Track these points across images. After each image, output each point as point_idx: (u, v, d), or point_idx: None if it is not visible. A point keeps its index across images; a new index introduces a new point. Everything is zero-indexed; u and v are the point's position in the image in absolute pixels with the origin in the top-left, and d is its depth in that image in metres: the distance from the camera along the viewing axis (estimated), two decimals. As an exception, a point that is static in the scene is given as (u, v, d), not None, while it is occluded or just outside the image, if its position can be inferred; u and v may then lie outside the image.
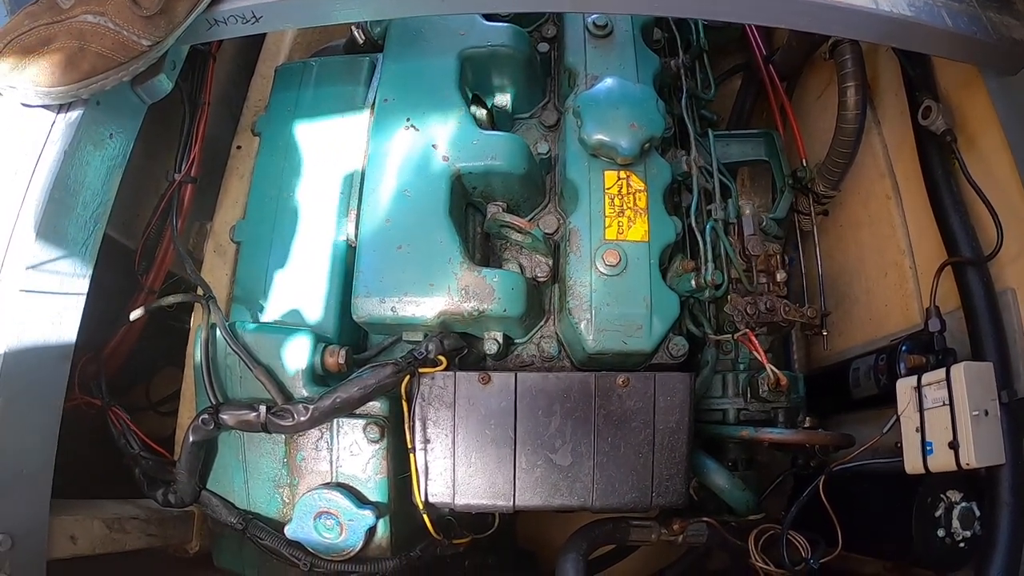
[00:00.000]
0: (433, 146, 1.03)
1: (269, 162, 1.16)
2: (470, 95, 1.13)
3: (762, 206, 1.54)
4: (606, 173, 1.04)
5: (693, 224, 1.11)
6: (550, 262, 1.06)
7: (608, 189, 1.04)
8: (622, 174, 1.04)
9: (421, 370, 0.97)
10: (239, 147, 1.33)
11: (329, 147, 1.14)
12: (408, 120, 1.06)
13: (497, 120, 1.16)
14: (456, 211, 1.03)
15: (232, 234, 1.16)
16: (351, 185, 1.10)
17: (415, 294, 0.97)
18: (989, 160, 1.15)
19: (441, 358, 0.97)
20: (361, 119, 1.13)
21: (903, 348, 1.18)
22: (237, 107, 1.39)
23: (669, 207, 1.10)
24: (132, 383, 1.48)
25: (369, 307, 0.98)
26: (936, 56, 1.19)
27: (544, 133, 1.18)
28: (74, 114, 0.96)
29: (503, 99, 1.15)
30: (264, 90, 1.31)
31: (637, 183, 1.04)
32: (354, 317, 1.00)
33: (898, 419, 1.11)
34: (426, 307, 0.97)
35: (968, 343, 1.12)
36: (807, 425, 1.27)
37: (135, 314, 1.09)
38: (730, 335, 1.15)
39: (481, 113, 1.14)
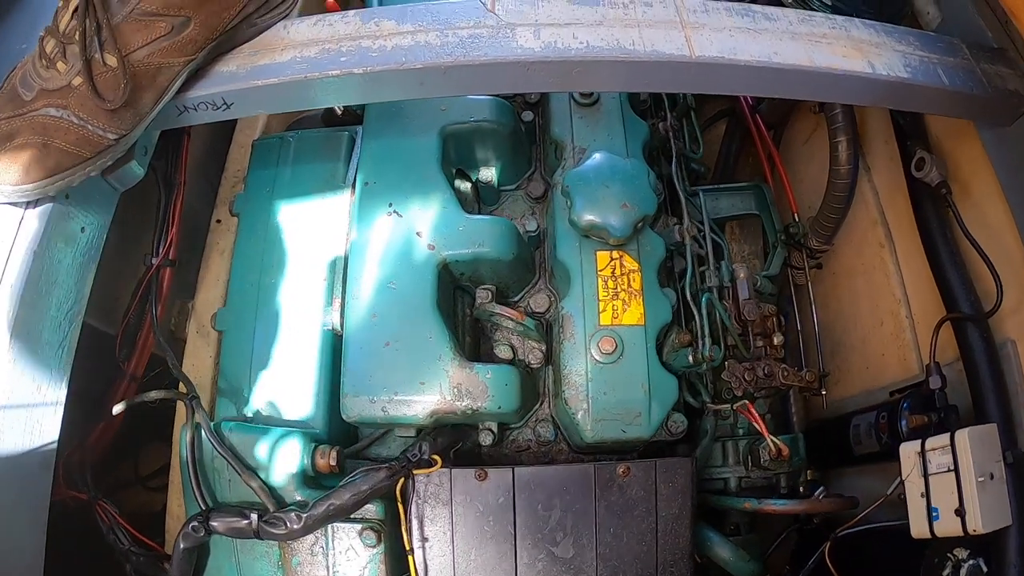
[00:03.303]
0: (417, 233, 1.00)
1: (249, 245, 1.13)
2: (454, 171, 1.11)
3: (753, 253, 1.53)
4: (598, 254, 1.02)
5: (688, 296, 1.09)
6: (543, 347, 1.03)
7: (601, 271, 1.01)
8: (615, 254, 1.02)
9: (416, 471, 0.95)
10: (219, 221, 1.30)
11: (311, 229, 1.10)
12: (390, 205, 1.03)
13: (483, 195, 1.13)
14: (444, 301, 1.00)
15: (214, 323, 1.13)
16: (335, 271, 1.07)
17: (406, 393, 0.95)
18: (984, 210, 1.13)
19: (436, 458, 0.95)
20: (342, 199, 1.10)
21: (904, 406, 1.17)
22: (215, 177, 1.35)
23: (663, 278, 1.08)
24: (119, 459, 1.45)
25: (359, 407, 0.96)
26: (931, 114, 1.17)
27: (531, 206, 1.15)
28: (42, 210, 0.92)
29: (488, 173, 1.12)
30: (242, 160, 1.27)
31: (631, 263, 1.02)
32: (344, 417, 0.97)
33: (902, 482, 1.10)
34: (418, 407, 0.95)
35: (968, 394, 1.11)
36: (809, 478, 1.26)
37: (117, 408, 1.05)
38: (729, 403, 1.14)
39: (466, 187, 1.11)
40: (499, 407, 0.94)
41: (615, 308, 1.00)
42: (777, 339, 1.19)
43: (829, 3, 1.16)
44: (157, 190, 1.19)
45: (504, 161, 1.12)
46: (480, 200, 1.14)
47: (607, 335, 0.98)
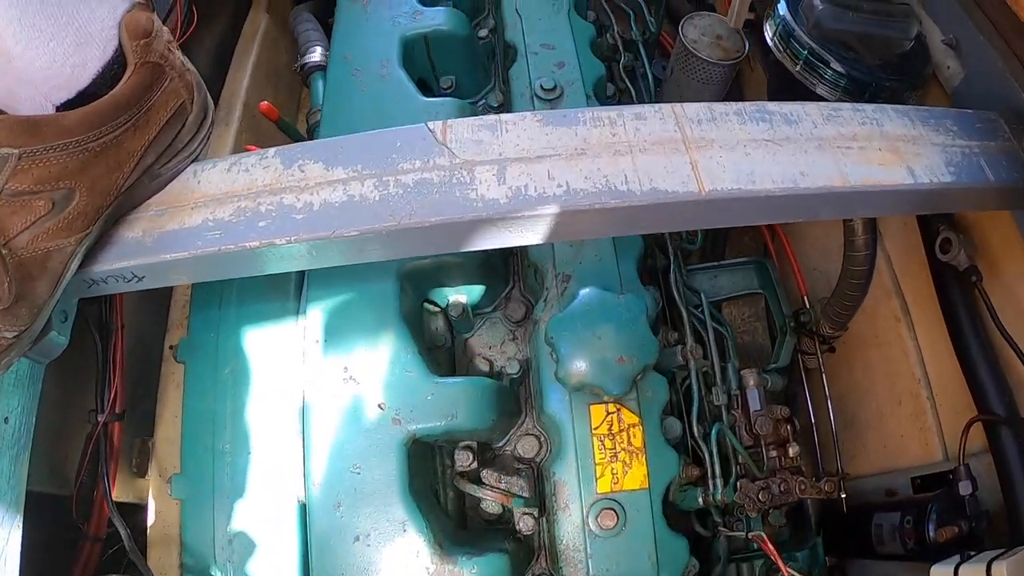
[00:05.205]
0: (379, 406, 0.74)
1: (198, 402, 0.87)
2: (422, 304, 0.84)
3: (753, 315, 1.26)
4: (592, 409, 0.76)
5: (695, 431, 0.84)
6: (535, 512, 0.79)
7: (596, 430, 0.76)
8: (611, 407, 0.76)
9: None
10: (171, 347, 1.04)
11: (263, 383, 0.84)
12: (346, 370, 0.76)
13: (455, 325, 0.87)
14: (418, 480, 0.75)
15: (171, 490, 0.88)
16: (295, 432, 0.81)
17: (381, 597, 0.71)
18: (1016, 294, 0.88)
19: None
20: (295, 344, 0.84)
21: (933, 513, 0.94)
22: (163, 295, 1.08)
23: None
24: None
25: (330, 614, 0.72)
26: (974, 211, 0.89)
27: (511, 330, 0.88)
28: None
29: (459, 299, 0.85)
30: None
31: (630, 417, 0.76)
32: (314, 623, 0.74)
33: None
34: (395, 613, 0.71)
35: (998, 486, 0.89)
36: (828, 564, 1.05)
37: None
38: (742, 533, 0.90)
39: (437, 323, 0.85)
40: (488, 608, 0.71)
41: (614, 472, 0.75)
42: (792, 450, 0.94)
43: (844, 72, 0.87)
44: (92, 337, 0.93)
45: (481, 282, 0.85)
46: (453, 330, 0.87)
47: (607, 506, 0.74)
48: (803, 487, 0.92)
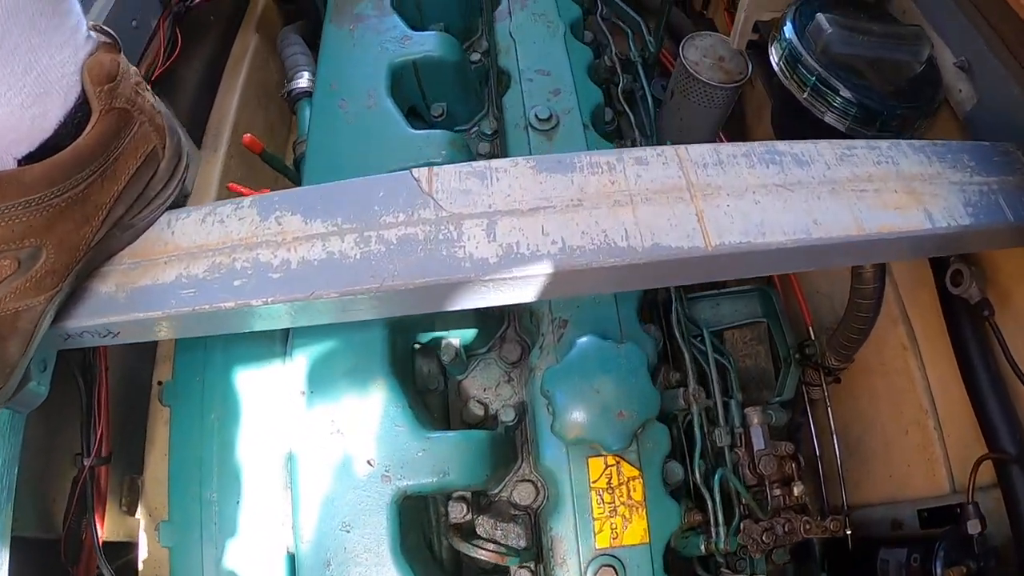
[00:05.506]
0: (369, 462, 0.69)
1: (184, 447, 0.82)
2: (413, 348, 0.78)
3: (755, 338, 1.20)
4: (590, 462, 0.71)
5: (698, 478, 0.79)
6: (532, 566, 0.74)
7: (595, 483, 0.71)
8: (610, 460, 0.71)
9: None
10: (160, 382, 0.99)
11: (250, 431, 0.79)
12: (332, 423, 0.71)
13: (449, 369, 0.81)
14: (411, 537, 0.70)
15: (159, 537, 0.84)
16: (283, 483, 0.76)
17: (371, 665, 0.66)
18: None
19: None
20: (282, 390, 0.79)
21: (940, 551, 0.89)
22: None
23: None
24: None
25: None
26: (990, 250, 0.83)
27: (506, 371, 0.83)
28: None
29: (452, 342, 0.79)
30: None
31: (630, 471, 0.71)
32: None
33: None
34: None
35: (1006, 519, 0.84)
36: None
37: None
38: (746, 574, 0.85)
39: (429, 367, 0.79)
40: None
41: (613, 526, 0.70)
42: (797, 489, 0.89)
43: (854, 100, 0.80)
44: (75, 382, 0.88)
45: (474, 328, 0.79)
46: (446, 375, 0.82)
47: (606, 563, 0.68)
48: (808, 527, 0.87)
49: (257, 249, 0.58)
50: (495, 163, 0.59)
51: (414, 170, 0.59)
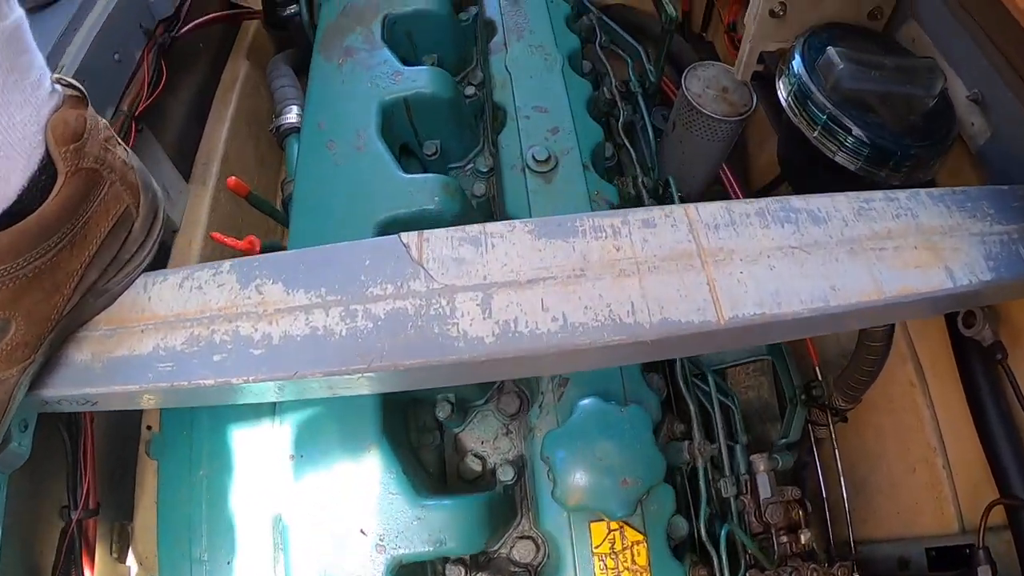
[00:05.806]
0: (362, 531, 0.64)
1: (173, 504, 0.77)
2: (404, 409, 0.73)
3: (758, 369, 1.16)
4: (592, 527, 0.66)
5: (703, 532, 0.74)
6: (533, 633, 0.69)
7: (597, 548, 0.66)
8: (613, 525, 0.66)
9: None
10: (148, 427, 0.94)
11: (240, 491, 0.74)
12: (323, 490, 0.66)
13: (445, 424, 0.76)
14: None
15: (146, 590, 0.79)
16: (273, 545, 0.71)
17: None
18: None
19: None
20: (272, 448, 0.74)
21: (951, 598, 0.85)
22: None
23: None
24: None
25: None
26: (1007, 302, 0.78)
27: (505, 424, 0.78)
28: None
29: (447, 401, 0.74)
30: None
31: (634, 535, 0.66)
32: None
33: None
34: None
35: (1016, 557, 0.80)
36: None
37: None
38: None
39: (425, 420, 0.74)
40: None
41: (619, 595, 0.65)
42: (804, 537, 0.84)
43: (867, 140, 0.75)
44: (59, 434, 0.83)
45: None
46: (443, 429, 0.77)
47: (612, 634, 0.64)
48: (815, 575, 0.83)
49: (237, 321, 0.53)
50: (490, 227, 0.54)
51: (403, 235, 0.54)
